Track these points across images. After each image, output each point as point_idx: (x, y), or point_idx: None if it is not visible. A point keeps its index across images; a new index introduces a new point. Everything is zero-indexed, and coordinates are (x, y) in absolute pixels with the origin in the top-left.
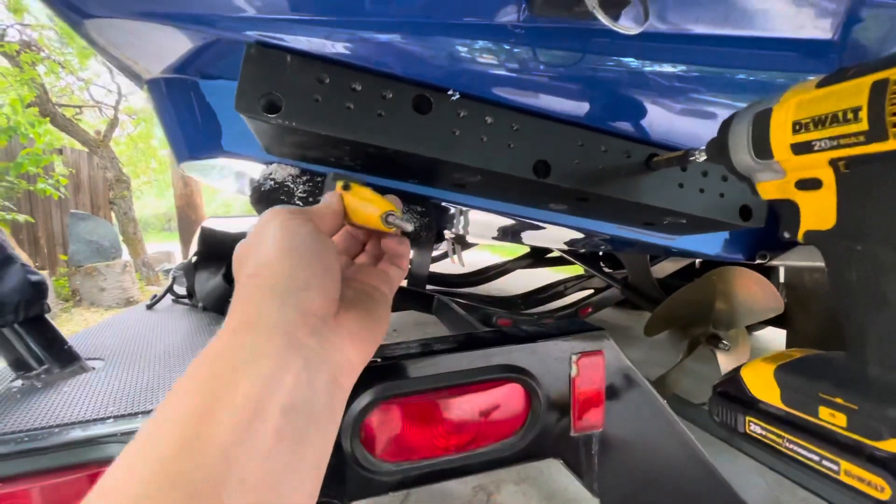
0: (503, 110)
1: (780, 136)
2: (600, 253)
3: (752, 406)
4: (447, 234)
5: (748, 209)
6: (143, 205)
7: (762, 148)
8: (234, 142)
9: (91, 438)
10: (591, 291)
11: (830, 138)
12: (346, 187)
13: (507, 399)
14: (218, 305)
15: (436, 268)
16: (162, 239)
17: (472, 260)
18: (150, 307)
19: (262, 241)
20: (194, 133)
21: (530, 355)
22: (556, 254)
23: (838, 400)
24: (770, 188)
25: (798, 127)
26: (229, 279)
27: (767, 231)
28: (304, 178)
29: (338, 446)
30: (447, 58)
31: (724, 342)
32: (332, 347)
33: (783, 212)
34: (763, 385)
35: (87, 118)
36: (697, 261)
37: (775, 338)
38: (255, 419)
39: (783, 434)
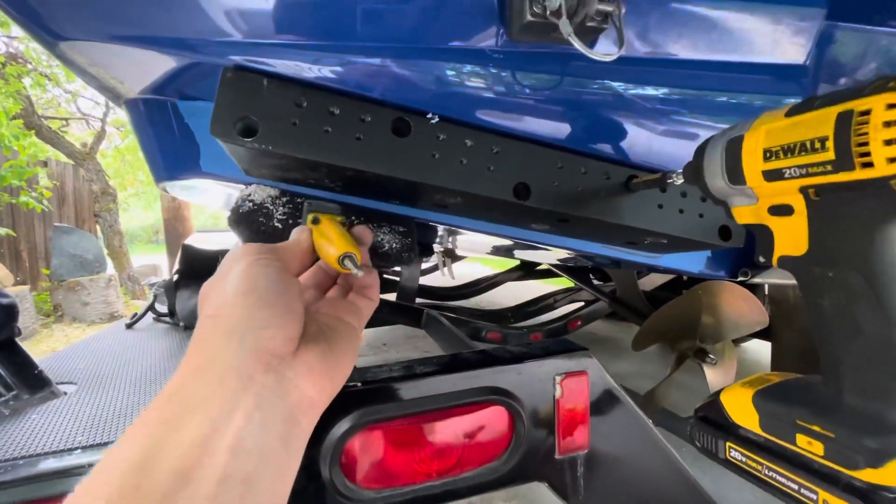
0: (483, 133)
1: (752, 163)
2: (589, 266)
3: (731, 432)
4: (436, 247)
5: (727, 229)
6: (130, 217)
7: (735, 174)
8: (213, 163)
9: (57, 471)
10: (581, 304)
11: (799, 166)
12: (315, 221)
13: (490, 422)
14: None
15: (426, 280)
16: (149, 251)
17: (463, 272)
18: (129, 326)
19: (224, 281)
20: (172, 154)
21: (514, 377)
22: (545, 266)
23: (815, 427)
24: (744, 213)
25: (769, 155)
26: None
27: (748, 249)
28: (284, 199)
29: (316, 474)
30: (426, 82)
31: (711, 356)
32: (289, 384)
33: (758, 236)
34: (742, 410)
35: (74, 130)
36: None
37: (759, 349)
38: (199, 464)
39: (762, 461)
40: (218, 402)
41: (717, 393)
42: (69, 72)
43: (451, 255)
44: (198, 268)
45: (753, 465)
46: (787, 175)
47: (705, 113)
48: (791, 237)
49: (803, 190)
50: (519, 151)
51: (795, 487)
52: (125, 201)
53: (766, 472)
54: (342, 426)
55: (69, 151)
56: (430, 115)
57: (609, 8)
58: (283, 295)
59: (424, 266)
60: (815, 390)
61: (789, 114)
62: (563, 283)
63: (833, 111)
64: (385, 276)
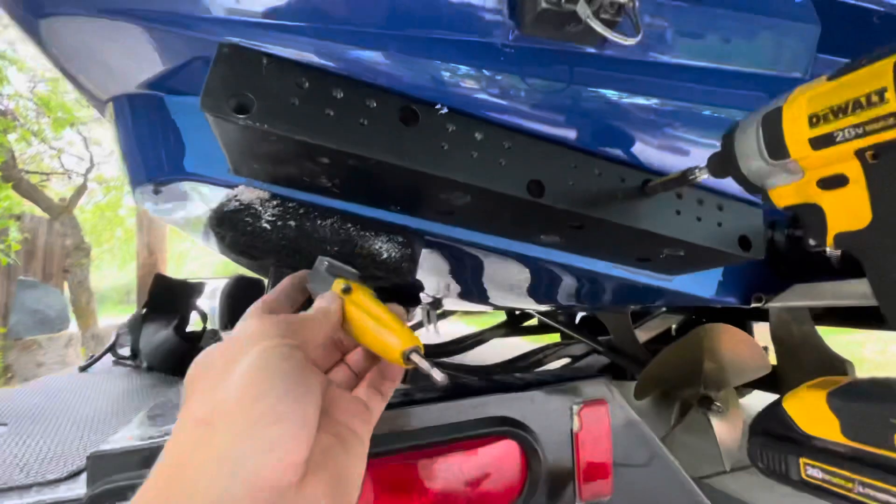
0: (494, 128)
1: (796, 132)
2: (576, 321)
3: (804, 444)
4: (423, 296)
5: (747, 240)
6: (102, 276)
7: (776, 148)
8: (198, 162)
9: None
10: (569, 360)
11: (854, 126)
12: (346, 290)
13: (501, 459)
14: (165, 363)
15: None
16: (118, 313)
17: (447, 330)
18: (83, 369)
19: (228, 370)
20: (155, 153)
21: (527, 405)
22: (533, 322)
23: None
24: (787, 193)
25: (815, 120)
26: (181, 332)
27: (762, 272)
28: (274, 202)
29: None
30: (435, 74)
31: (717, 404)
32: None
33: (805, 218)
34: (815, 416)
35: (55, 186)
36: (673, 326)
37: (752, 403)
38: None
39: (852, 475)
40: None
41: (777, 401)
42: (57, 128)
43: (436, 307)
44: (169, 300)
45: (841, 482)
46: (839, 139)
47: (714, 125)
48: (848, 210)
49: (860, 153)
50: (532, 148)
51: None
52: (99, 257)
53: (860, 489)
54: None
55: (47, 205)
56: (438, 106)
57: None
58: (301, 402)
59: (409, 324)
60: None
61: (832, 77)
62: (552, 339)
63: (888, 63)
64: None
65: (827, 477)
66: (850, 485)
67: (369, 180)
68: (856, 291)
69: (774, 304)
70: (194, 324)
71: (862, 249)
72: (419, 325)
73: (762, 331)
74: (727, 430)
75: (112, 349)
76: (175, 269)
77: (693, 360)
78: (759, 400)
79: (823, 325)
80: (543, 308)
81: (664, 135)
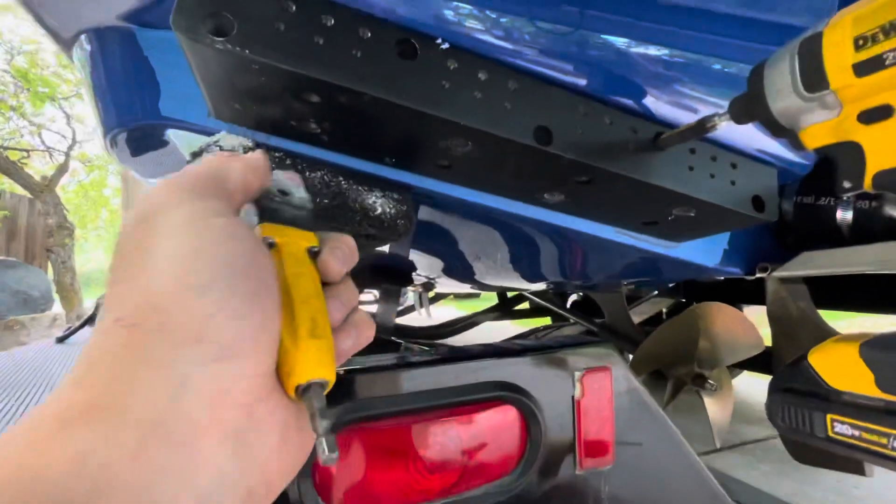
0: (499, 68)
1: (839, 57)
2: (568, 304)
3: (832, 400)
4: (415, 276)
5: (760, 200)
6: (88, 259)
7: (815, 77)
8: (175, 105)
9: None
10: None
11: None
12: (270, 244)
13: (499, 426)
14: None
15: (400, 321)
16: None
17: (438, 315)
18: (60, 340)
19: (148, 250)
20: (127, 94)
21: (527, 370)
22: (524, 306)
23: None
24: (821, 132)
25: (862, 42)
26: None
27: (767, 242)
28: (258, 150)
29: (283, 494)
30: (435, 5)
31: (711, 382)
32: (252, 461)
33: (841, 158)
34: (845, 370)
35: (36, 164)
36: (664, 310)
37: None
38: None
39: (888, 430)
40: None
41: (802, 356)
42: (37, 103)
43: (428, 289)
44: None
45: (874, 438)
46: (889, 61)
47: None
48: (891, 145)
49: None
50: (539, 92)
51: None
52: (83, 237)
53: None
54: None
55: (27, 183)
56: (439, 41)
57: None
58: (258, 297)
59: (399, 308)
60: None
61: None
62: (544, 322)
63: None
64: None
65: (857, 433)
66: (884, 440)
67: (362, 124)
68: (867, 258)
69: (780, 274)
70: None
71: None
72: (411, 309)
73: (752, 315)
74: (719, 409)
75: (91, 320)
76: None
77: (688, 338)
78: (747, 383)
79: (820, 309)
80: (537, 287)
81: (681, 87)
